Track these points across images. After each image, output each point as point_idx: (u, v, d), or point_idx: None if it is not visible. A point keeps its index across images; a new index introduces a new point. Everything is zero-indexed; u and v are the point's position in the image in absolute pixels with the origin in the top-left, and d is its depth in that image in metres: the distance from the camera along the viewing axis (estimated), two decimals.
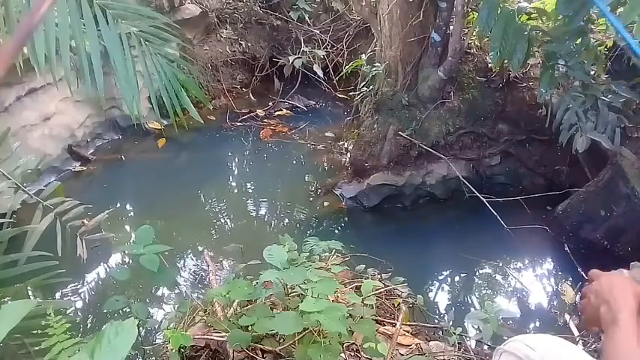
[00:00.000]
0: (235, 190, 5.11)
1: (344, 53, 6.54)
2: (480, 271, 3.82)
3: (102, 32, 1.85)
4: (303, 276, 1.78)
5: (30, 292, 2.40)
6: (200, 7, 6.14)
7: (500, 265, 3.74)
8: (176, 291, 3.44)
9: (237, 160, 5.64)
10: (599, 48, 3.57)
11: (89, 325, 3.15)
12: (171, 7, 5.71)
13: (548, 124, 3.65)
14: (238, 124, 6.01)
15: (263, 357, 1.96)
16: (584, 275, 3.43)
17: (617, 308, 0.87)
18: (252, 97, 6.66)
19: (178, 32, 2.62)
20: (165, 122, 4.42)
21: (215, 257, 3.81)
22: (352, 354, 2.09)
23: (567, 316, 3.00)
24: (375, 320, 2.08)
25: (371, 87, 4.57)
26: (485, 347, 2.46)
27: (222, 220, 4.53)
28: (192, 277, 3.71)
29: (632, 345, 0.79)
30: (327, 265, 2.45)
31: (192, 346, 2.07)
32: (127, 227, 4.36)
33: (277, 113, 6.29)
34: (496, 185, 4.48)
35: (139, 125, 4.89)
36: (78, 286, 3.51)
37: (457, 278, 3.85)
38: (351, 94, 5.73)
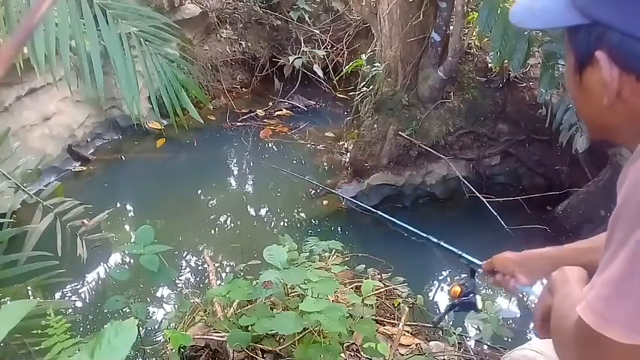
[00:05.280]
0: (235, 190, 5.11)
1: (344, 53, 6.54)
2: (480, 271, 3.81)
3: (102, 32, 1.85)
4: (303, 276, 1.78)
5: (30, 292, 2.40)
6: (200, 7, 6.14)
7: None
8: (176, 291, 3.44)
9: (237, 160, 5.64)
10: None
11: (89, 325, 3.15)
12: (171, 7, 5.71)
13: (548, 124, 3.65)
14: (238, 124, 6.00)
15: (263, 357, 1.96)
16: None
17: (569, 273, 0.92)
18: (252, 97, 6.66)
19: (178, 32, 2.62)
20: (165, 122, 4.42)
21: (215, 257, 3.81)
22: (352, 354, 2.09)
23: None
24: (375, 320, 2.08)
25: (371, 87, 4.57)
26: (485, 347, 2.46)
27: (222, 220, 4.53)
28: (192, 277, 3.71)
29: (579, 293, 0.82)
30: (327, 265, 2.45)
31: (192, 346, 2.07)
32: (127, 227, 4.36)
33: (277, 113, 6.29)
34: (496, 185, 4.48)
35: (139, 125, 4.88)
36: (78, 286, 3.51)
37: (457, 278, 3.84)
38: (351, 94, 5.73)
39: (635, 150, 0.66)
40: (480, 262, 1.39)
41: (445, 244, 1.61)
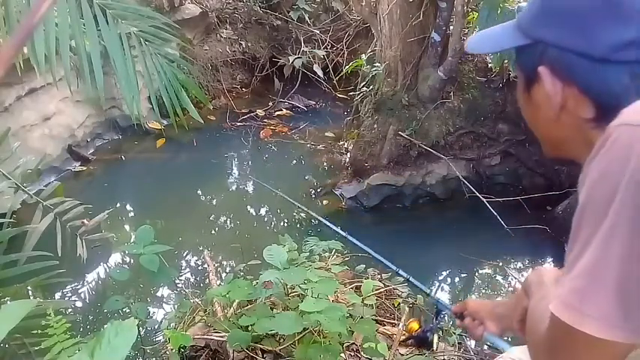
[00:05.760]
0: (235, 190, 5.11)
1: (344, 53, 6.54)
2: (480, 271, 3.82)
3: (102, 32, 1.85)
4: (303, 276, 1.78)
5: (30, 292, 2.40)
6: (200, 7, 6.14)
7: (501, 265, 3.74)
8: (176, 291, 3.44)
9: (237, 160, 5.64)
10: None
11: (89, 325, 3.15)
12: (171, 7, 5.71)
13: None
14: (238, 124, 6.00)
15: (263, 357, 1.96)
16: None
17: (544, 274, 0.93)
18: (252, 97, 6.66)
19: (178, 32, 2.62)
20: (165, 122, 4.42)
21: (215, 257, 3.81)
22: (352, 354, 2.09)
23: None
24: (375, 320, 2.08)
25: (371, 87, 4.57)
26: (485, 347, 2.46)
27: (222, 220, 4.53)
28: (192, 277, 3.71)
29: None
30: (327, 265, 2.45)
31: (192, 346, 2.07)
32: (127, 227, 4.36)
33: (277, 113, 6.29)
34: (496, 185, 4.48)
35: (139, 125, 4.88)
36: (78, 286, 3.51)
37: (457, 278, 3.85)
38: (351, 94, 5.73)
39: (594, 148, 0.66)
40: (446, 304, 1.39)
41: (414, 280, 1.61)
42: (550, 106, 0.74)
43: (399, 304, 2.58)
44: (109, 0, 1.87)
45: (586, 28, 0.69)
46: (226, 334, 1.95)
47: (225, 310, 2.25)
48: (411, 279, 1.61)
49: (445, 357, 2.27)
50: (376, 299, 2.38)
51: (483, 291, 3.67)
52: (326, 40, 6.66)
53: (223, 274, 3.49)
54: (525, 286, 0.95)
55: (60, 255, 2.07)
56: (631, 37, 0.66)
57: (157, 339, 2.78)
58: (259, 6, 6.80)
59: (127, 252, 3.56)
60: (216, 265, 3.62)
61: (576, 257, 0.63)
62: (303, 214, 4.40)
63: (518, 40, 0.77)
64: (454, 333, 2.33)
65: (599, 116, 0.70)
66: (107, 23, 1.85)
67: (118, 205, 4.59)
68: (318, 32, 6.72)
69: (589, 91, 0.70)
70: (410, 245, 3.94)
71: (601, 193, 0.62)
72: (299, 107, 6.47)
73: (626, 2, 0.67)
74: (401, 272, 1.64)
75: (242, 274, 2.79)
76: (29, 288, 2.12)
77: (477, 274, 3.81)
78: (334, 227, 1.88)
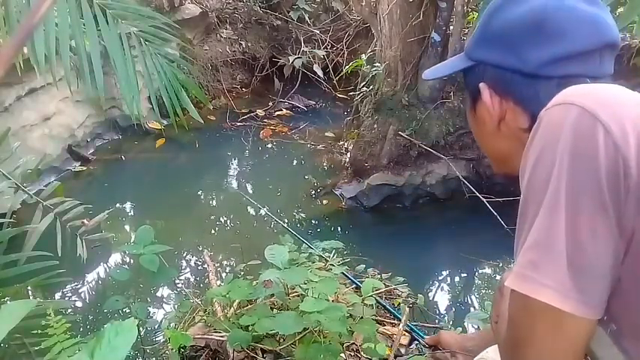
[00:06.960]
0: (235, 190, 5.11)
1: (344, 53, 6.55)
2: (480, 271, 3.81)
3: (102, 32, 1.85)
4: (303, 276, 1.78)
5: (30, 292, 2.39)
6: (200, 7, 6.15)
7: (501, 265, 3.74)
8: (176, 291, 3.44)
9: (237, 160, 5.64)
10: None
11: (89, 325, 3.15)
12: (171, 7, 5.71)
13: None
14: (238, 124, 6.00)
15: (263, 357, 1.96)
16: None
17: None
18: (252, 97, 6.67)
19: (178, 32, 2.62)
20: (165, 122, 4.42)
21: (215, 257, 3.81)
22: (352, 354, 2.09)
23: None
24: (375, 320, 2.08)
25: (371, 87, 4.57)
26: None
27: (222, 220, 4.53)
28: (192, 277, 3.71)
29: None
30: (326, 266, 2.44)
31: (192, 345, 2.07)
32: (127, 227, 4.36)
33: (277, 113, 6.29)
34: (496, 185, 4.47)
35: (139, 125, 4.89)
36: (78, 286, 3.51)
37: (457, 278, 3.84)
38: (351, 94, 5.73)
39: (529, 137, 0.69)
40: (420, 334, 1.46)
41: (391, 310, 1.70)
42: (491, 119, 0.82)
43: (399, 304, 2.57)
44: (109, 0, 1.87)
45: (517, 48, 0.78)
46: (226, 334, 1.95)
47: (225, 310, 2.25)
48: (387, 306, 1.73)
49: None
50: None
51: (483, 291, 3.67)
52: (326, 40, 6.66)
53: (223, 274, 3.49)
54: (500, 284, 0.96)
55: (60, 255, 2.07)
56: (556, 55, 0.75)
57: (157, 339, 2.78)
58: (259, 6, 6.81)
59: (127, 252, 3.56)
60: (216, 265, 3.62)
61: (526, 234, 0.66)
62: (303, 214, 4.41)
63: (464, 63, 0.88)
64: None
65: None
66: (107, 23, 1.85)
67: (118, 205, 4.59)
68: (318, 32, 6.72)
69: (523, 102, 0.78)
70: (410, 245, 3.94)
71: (539, 171, 0.65)
72: (299, 107, 6.47)
73: (551, 25, 0.75)
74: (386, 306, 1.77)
75: (242, 274, 2.79)
76: (29, 288, 2.12)
77: (476, 274, 3.81)
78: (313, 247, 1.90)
